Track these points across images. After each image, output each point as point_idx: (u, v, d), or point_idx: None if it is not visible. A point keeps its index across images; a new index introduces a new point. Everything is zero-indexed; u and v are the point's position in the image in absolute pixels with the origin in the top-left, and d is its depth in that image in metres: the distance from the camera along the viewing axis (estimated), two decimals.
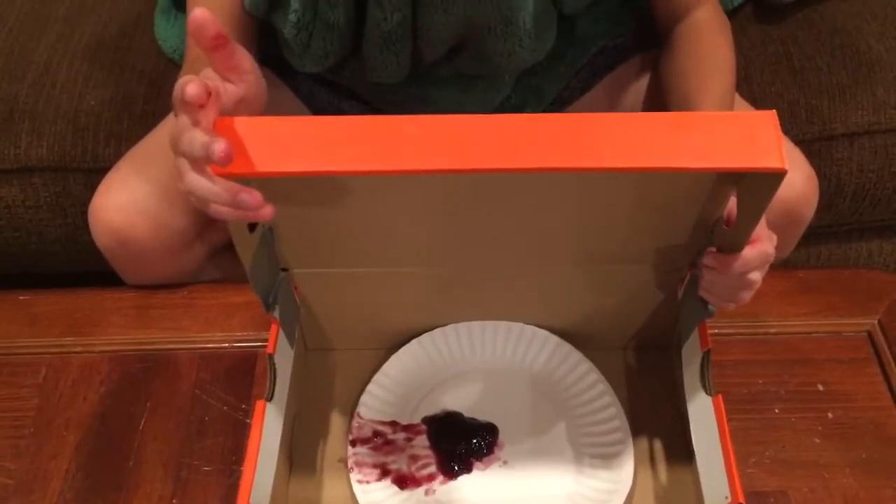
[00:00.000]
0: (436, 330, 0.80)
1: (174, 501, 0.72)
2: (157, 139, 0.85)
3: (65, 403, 0.79)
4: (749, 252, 0.61)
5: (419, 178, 0.60)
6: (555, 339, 0.80)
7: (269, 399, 0.67)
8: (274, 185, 0.61)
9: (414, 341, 0.79)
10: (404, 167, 0.53)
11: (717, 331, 0.82)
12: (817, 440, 0.74)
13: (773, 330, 0.83)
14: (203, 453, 0.75)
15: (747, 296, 0.65)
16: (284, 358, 0.71)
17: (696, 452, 0.65)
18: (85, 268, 0.99)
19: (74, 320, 0.85)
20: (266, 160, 0.53)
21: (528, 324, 0.80)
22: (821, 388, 0.78)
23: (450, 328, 0.80)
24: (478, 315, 0.80)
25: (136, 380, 0.81)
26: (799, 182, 0.83)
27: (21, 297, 0.87)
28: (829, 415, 0.76)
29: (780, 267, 0.88)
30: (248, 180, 0.59)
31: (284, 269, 0.72)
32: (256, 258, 0.65)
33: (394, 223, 0.66)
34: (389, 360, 0.79)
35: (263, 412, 0.65)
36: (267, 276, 0.69)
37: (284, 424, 0.70)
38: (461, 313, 0.79)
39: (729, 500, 0.59)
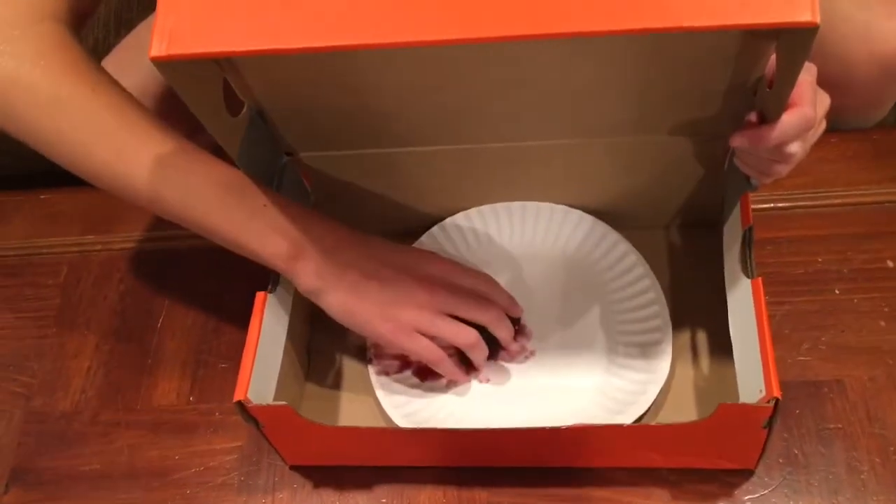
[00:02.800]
0: (459, 214, 0.74)
1: (191, 398, 0.71)
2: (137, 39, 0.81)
3: (86, 303, 0.78)
4: (787, 119, 0.52)
5: (421, 51, 0.53)
6: (590, 218, 0.73)
7: (272, 291, 0.63)
8: (254, 63, 0.56)
9: (436, 227, 0.74)
10: (400, 39, 0.46)
11: (772, 204, 0.74)
12: (882, 323, 0.66)
13: (838, 201, 0.74)
14: (220, 350, 0.73)
15: (784, 170, 0.56)
16: None
17: (732, 340, 0.59)
18: None
19: (93, 217, 0.83)
20: (241, 34, 0.45)
21: (559, 203, 0.73)
22: (890, 264, 0.69)
23: (474, 211, 0.74)
24: (504, 197, 0.73)
25: (154, 277, 0.78)
26: None
27: (42, 196, 0.86)
28: None
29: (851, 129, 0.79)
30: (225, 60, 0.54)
31: (289, 154, 0.68)
32: (247, 144, 0.61)
33: (401, 98, 0.60)
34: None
35: (264, 304, 0.62)
36: (264, 162, 0.64)
37: (297, 318, 0.67)
38: (486, 195, 0.73)
39: (763, 393, 0.52)
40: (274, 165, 0.66)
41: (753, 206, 0.73)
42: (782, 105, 0.52)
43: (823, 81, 0.73)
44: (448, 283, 0.65)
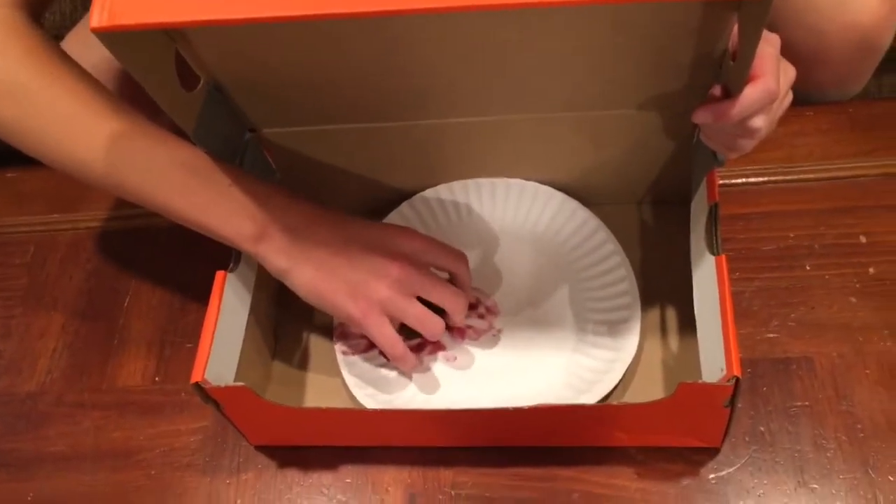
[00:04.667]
0: (428, 190, 0.73)
1: (157, 379, 0.70)
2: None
3: (52, 282, 0.77)
4: (749, 92, 0.51)
5: (384, 22, 0.52)
6: (559, 195, 0.72)
7: (232, 270, 0.62)
8: (207, 35, 0.54)
9: (404, 204, 0.73)
10: (358, 9, 0.44)
11: (744, 179, 0.73)
12: (853, 299, 0.66)
13: (812, 175, 0.72)
14: (186, 330, 0.72)
15: (749, 145, 0.55)
16: None
17: (696, 318, 0.58)
18: None
19: (60, 196, 0.82)
20: (187, 3, 0.44)
21: (529, 180, 0.72)
22: (863, 239, 0.68)
23: (443, 187, 0.73)
24: (474, 173, 0.72)
25: (121, 256, 0.78)
26: (873, 4, 0.70)
27: (8, 175, 0.85)
28: (871, 270, 0.67)
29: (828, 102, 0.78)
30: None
31: (252, 130, 0.66)
32: (205, 120, 0.59)
33: (365, 73, 0.59)
34: None
35: (223, 284, 0.61)
36: (225, 139, 0.63)
37: (262, 297, 0.66)
38: (455, 171, 0.72)
39: (724, 372, 0.52)
40: (237, 142, 0.65)
41: (726, 181, 0.72)
42: (744, 78, 0.51)
43: (798, 54, 0.72)
44: (421, 261, 0.63)
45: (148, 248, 0.77)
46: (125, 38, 0.48)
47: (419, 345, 0.67)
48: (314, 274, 0.60)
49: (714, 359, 0.54)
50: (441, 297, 0.63)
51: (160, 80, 0.53)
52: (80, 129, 0.59)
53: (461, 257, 0.66)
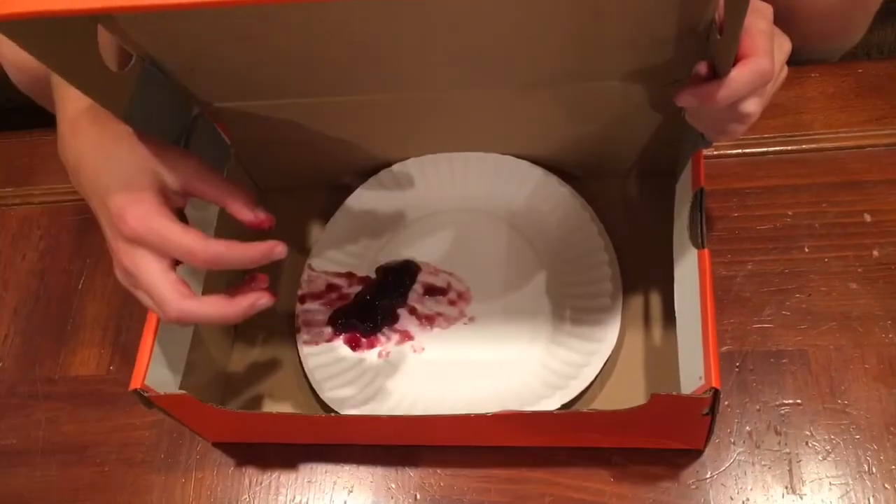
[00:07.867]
0: (396, 165, 0.68)
1: (111, 368, 0.67)
2: None
3: (4, 262, 0.73)
4: (738, 74, 0.45)
5: None
6: (539, 170, 0.66)
7: (178, 263, 0.58)
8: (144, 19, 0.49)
9: (373, 178, 0.68)
10: None
11: (740, 150, 0.67)
12: (854, 285, 0.60)
13: (814, 145, 0.66)
14: (142, 314, 0.66)
15: (740, 129, 0.49)
16: (202, 209, 0.60)
17: (677, 316, 0.53)
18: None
19: (12, 168, 0.77)
20: None
21: (505, 154, 0.67)
22: (868, 218, 0.63)
23: (412, 162, 0.68)
24: (447, 146, 0.67)
25: (75, 234, 0.73)
26: None
27: None
28: (875, 253, 0.61)
29: (840, 60, 0.71)
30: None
31: (200, 104, 0.61)
32: (141, 100, 0.54)
33: (319, 45, 0.53)
34: (345, 203, 0.68)
35: None
36: (168, 116, 0.58)
37: (212, 285, 0.62)
38: (425, 146, 0.67)
39: (702, 381, 0.47)
40: (182, 118, 0.60)
41: (721, 153, 0.67)
42: (731, 56, 0.45)
43: (783, 7, 0.65)
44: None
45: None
46: (26, 23, 0.43)
47: (386, 336, 0.63)
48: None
49: (693, 364, 0.49)
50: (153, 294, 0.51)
51: (80, 63, 0.48)
52: None
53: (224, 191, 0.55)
